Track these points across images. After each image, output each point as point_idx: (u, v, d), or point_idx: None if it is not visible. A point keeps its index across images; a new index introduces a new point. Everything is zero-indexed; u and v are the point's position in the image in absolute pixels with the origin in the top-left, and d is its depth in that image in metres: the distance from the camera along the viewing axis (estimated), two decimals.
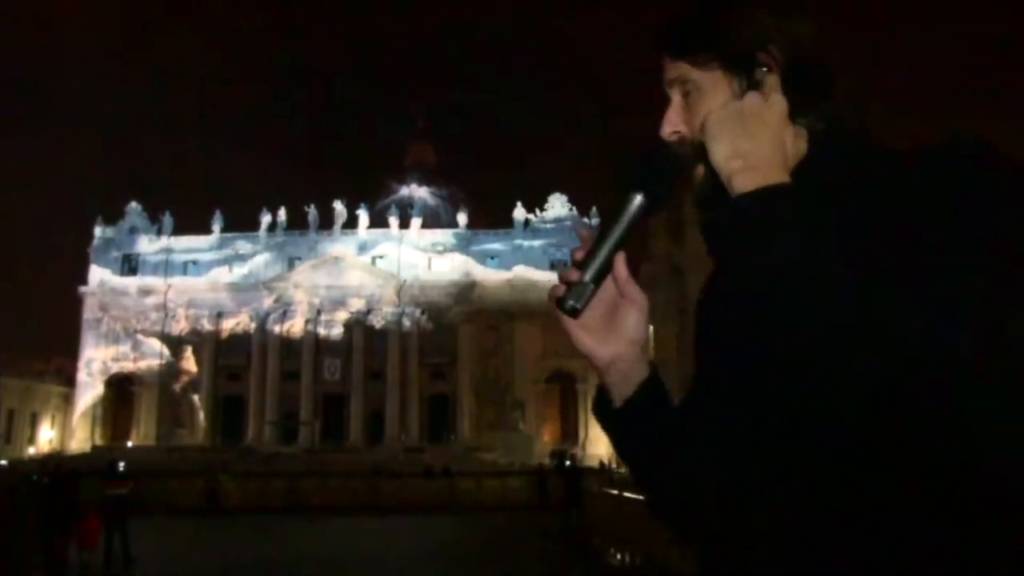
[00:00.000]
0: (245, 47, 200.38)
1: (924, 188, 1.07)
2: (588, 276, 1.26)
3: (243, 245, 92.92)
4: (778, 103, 1.20)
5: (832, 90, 1.24)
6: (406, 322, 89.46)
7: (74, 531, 16.84)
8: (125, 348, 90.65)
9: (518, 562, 19.98)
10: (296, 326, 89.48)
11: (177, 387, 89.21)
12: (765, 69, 1.24)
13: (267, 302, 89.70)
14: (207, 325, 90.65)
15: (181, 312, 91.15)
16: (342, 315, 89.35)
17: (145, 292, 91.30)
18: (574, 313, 1.28)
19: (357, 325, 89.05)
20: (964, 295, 0.97)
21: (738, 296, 1.13)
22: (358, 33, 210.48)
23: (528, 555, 21.24)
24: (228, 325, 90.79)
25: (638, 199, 1.27)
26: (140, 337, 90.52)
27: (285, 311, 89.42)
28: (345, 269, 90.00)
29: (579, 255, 1.29)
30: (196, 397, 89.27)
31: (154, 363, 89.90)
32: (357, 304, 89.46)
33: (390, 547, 22.72)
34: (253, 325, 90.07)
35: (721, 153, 1.19)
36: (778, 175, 1.14)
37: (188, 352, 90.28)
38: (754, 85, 1.24)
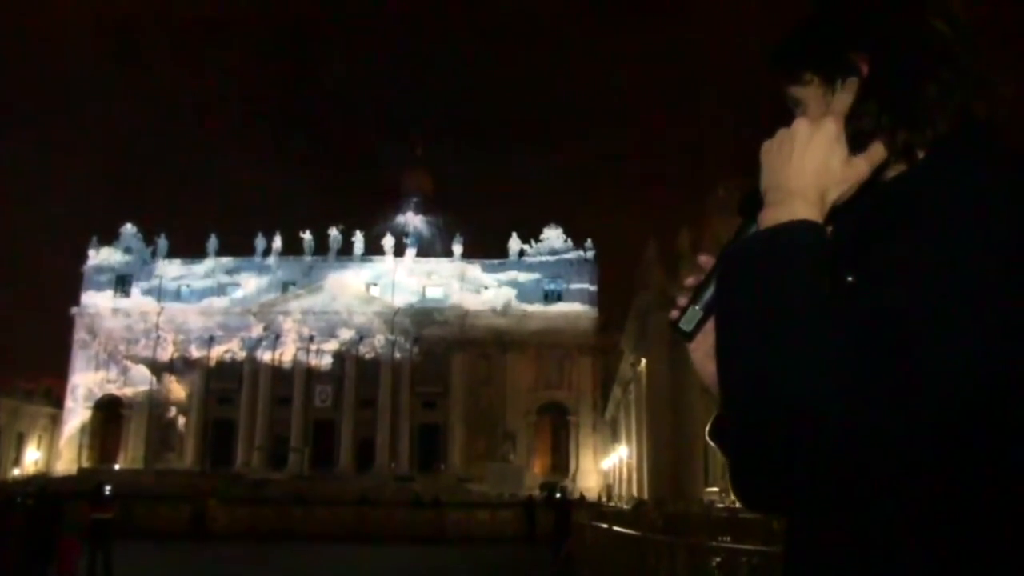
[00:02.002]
0: (243, 73, 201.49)
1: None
2: (700, 304, 1.25)
3: (237, 269, 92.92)
4: (828, 127, 1.17)
5: (954, 70, 1.17)
6: (398, 350, 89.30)
7: (55, 554, 16.67)
8: (114, 373, 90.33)
9: None
10: (287, 353, 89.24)
11: (166, 411, 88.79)
12: (854, 76, 1.20)
13: (257, 330, 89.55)
14: (199, 350, 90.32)
15: (172, 337, 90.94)
16: (335, 341, 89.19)
17: (137, 315, 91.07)
18: (684, 337, 1.28)
19: (349, 352, 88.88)
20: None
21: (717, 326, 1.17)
22: (356, 60, 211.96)
23: None
24: (219, 351, 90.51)
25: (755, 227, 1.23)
26: (128, 363, 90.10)
27: (277, 336, 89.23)
28: (339, 295, 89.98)
29: (691, 282, 1.28)
30: (183, 422, 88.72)
31: (143, 389, 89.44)
32: (350, 331, 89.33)
33: None
34: (243, 354, 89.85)
35: (763, 182, 1.20)
36: (805, 210, 1.13)
37: (176, 379, 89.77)
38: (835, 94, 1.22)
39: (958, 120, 1.15)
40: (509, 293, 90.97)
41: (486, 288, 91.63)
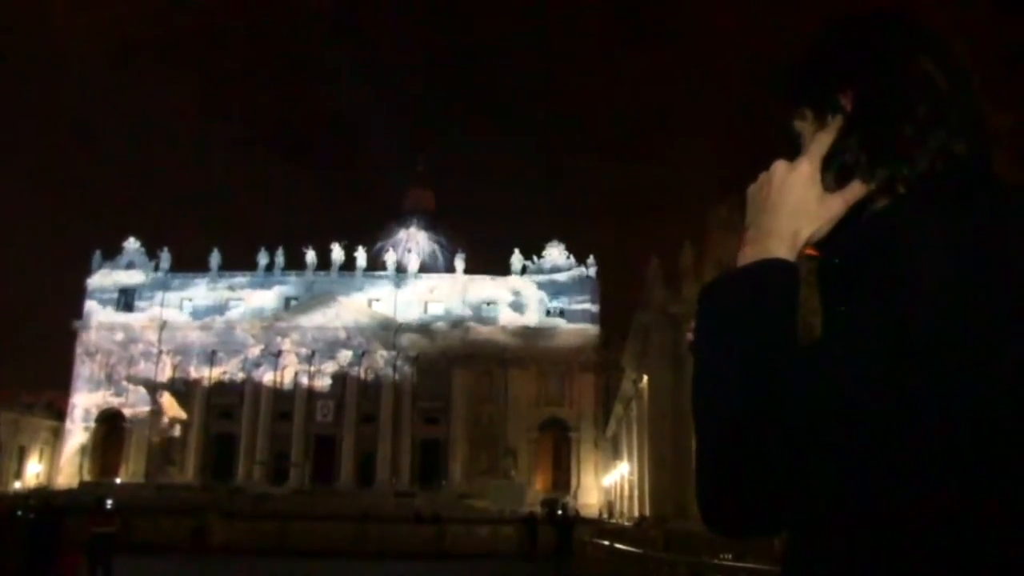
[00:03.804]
0: (246, 90, 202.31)
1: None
2: None
3: (239, 285, 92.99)
4: (802, 169, 1.23)
5: (940, 115, 1.20)
6: (400, 366, 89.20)
7: (56, 568, 16.64)
8: (115, 387, 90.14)
9: None
10: (288, 368, 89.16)
11: (166, 425, 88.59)
12: (839, 114, 1.24)
13: (258, 345, 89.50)
14: (200, 365, 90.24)
15: (174, 351, 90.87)
16: (336, 357, 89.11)
17: (138, 330, 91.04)
18: None
19: (350, 368, 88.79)
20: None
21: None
22: (361, 77, 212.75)
23: None
24: (221, 365, 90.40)
25: None
26: (130, 376, 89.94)
27: (279, 352, 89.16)
28: (341, 311, 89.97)
29: None
30: (184, 436, 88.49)
31: (144, 402, 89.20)
32: (351, 347, 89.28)
33: None
34: (241, 374, 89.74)
35: (746, 222, 1.26)
36: (778, 249, 1.19)
37: (169, 397, 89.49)
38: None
39: (939, 157, 1.18)
40: (511, 308, 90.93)
41: (488, 304, 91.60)
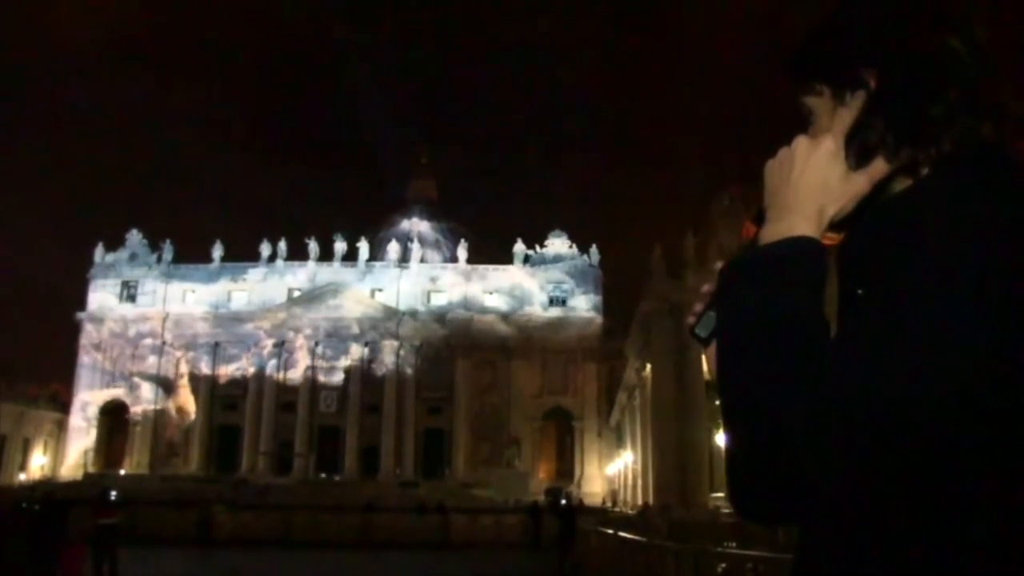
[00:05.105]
0: (251, 78, 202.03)
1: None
2: (714, 310, 1.27)
3: (242, 275, 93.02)
4: (826, 145, 1.19)
5: (964, 103, 1.17)
6: (403, 356, 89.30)
7: (60, 561, 16.67)
8: (120, 379, 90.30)
9: None
10: (292, 359, 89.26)
11: (175, 416, 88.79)
12: (861, 90, 1.21)
13: (262, 336, 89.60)
14: (204, 355, 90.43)
15: (177, 342, 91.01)
16: (340, 348, 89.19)
17: (142, 321, 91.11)
18: (701, 342, 1.30)
19: (354, 358, 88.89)
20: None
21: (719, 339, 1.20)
22: (364, 68, 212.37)
23: None
24: (224, 357, 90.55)
25: None
26: (134, 368, 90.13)
27: (283, 343, 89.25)
28: (344, 302, 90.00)
29: (707, 288, 1.29)
30: (189, 427, 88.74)
31: (148, 394, 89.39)
32: (355, 336, 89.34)
33: None
34: (246, 366, 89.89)
35: (765, 199, 1.23)
36: (803, 227, 1.16)
37: (182, 390, 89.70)
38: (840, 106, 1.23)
39: (964, 139, 1.16)
40: (513, 298, 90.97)
41: (491, 294, 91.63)
